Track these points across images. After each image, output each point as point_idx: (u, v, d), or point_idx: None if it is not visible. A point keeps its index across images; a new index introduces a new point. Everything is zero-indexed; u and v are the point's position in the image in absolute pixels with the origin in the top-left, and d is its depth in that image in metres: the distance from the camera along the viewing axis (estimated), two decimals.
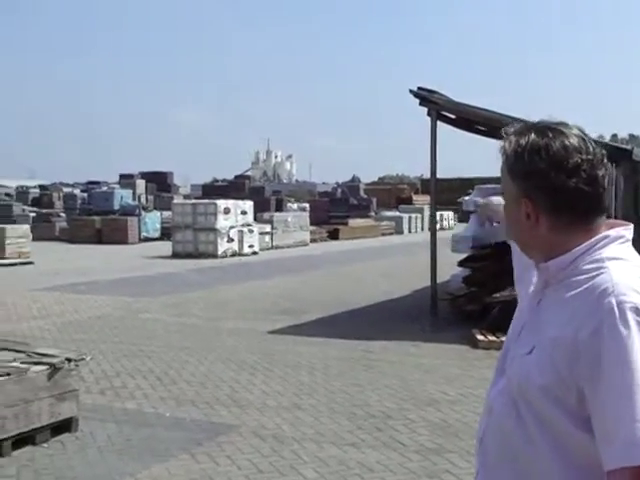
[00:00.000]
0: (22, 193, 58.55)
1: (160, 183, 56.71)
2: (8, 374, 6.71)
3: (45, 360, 7.17)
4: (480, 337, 11.41)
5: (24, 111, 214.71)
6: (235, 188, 51.58)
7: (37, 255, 26.72)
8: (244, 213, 29.08)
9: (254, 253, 28.79)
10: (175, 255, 27.73)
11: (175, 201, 33.86)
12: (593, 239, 1.92)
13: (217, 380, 9.33)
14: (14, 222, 39.22)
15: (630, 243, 1.98)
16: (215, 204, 28.11)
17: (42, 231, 37.34)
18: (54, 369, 7.07)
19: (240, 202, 29.54)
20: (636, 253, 1.97)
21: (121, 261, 26.11)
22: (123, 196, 39.25)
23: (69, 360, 7.27)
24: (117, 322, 13.59)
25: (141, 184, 51.51)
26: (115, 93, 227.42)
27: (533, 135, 1.93)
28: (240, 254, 28.11)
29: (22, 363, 7.10)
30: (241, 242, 28.38)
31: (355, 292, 17.68)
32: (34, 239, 35.67)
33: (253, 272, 22.78)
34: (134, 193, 46.06)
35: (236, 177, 61.54)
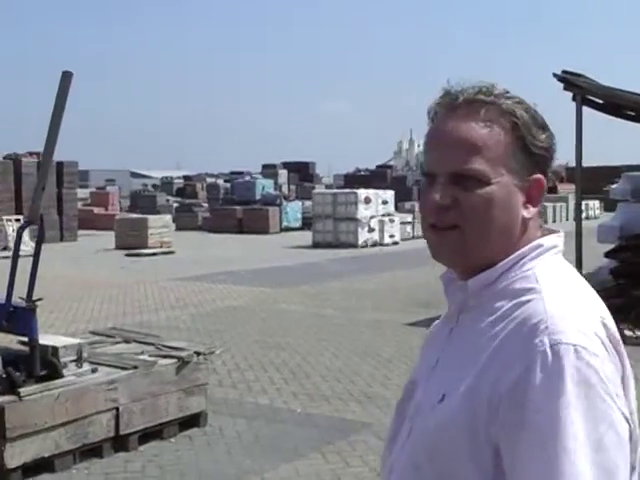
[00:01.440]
0: (166, 184, 59.96)
1: (302, 173, 57.05)
2: (135, 367, 6.59)
3: (174, 353, 7.03)
4: (628, 333, 10.76)
5: (185, 106, 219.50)
6: (377, 178, 51.19)
7: (179, 245, 27.11)
8: (385, 203, 28.72)
9: (395, 243, 28.41)
10: (315, 245, 27.63)
11: (316, 191, 33.76)
12: (526, 248, 1.51)
13: (352, 374, 9.05)
14: (158, 212, 40.07)
15: (562, 255, 1.55)
16: (355, 194, 27.85)
17: (185, 221, 37.98)
18: (182, 362, 6.92)
19: (381, 191, 29.18)
20: (572, 268, 1.55)
21: (261, 251, 26.17)
22: (265, 186, 39.43)
23: (198, 353, 7.10)
24: (254, 313, 13.48)
25: (283, 174, 51.90)
26: (263, 86, 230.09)
27: (529, 103, 1.54)
28: (381, 244, 27.78)
29: (151, 356, 6.98)
30: (382, 232, 28.03)
31: None
32: (177, 229, 36.50)
33: (393, 262, 22.42)
34: (276, 183, 46.34)
35: (378, 167, 61.13)
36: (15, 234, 23.80)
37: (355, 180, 51.81)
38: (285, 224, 36.02)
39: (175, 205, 43.03)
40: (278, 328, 12.04)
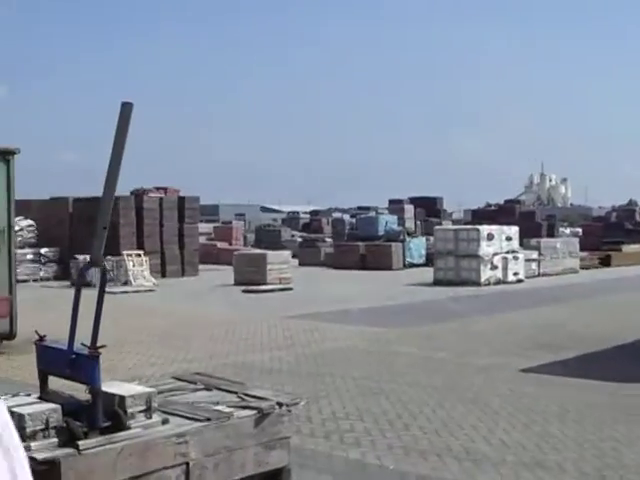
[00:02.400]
0: (293, 219, 60.14)
1: (429, 208, 56.24)
2: (208, 419, 6.11)
3: (253, 404, 6.53)
4: None
5: (317, 141, 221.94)
6: (505, 213, 50.07)
7: (298, 281, 26.81)
8: (509, 239, 27.80)
9: (519, 281, 27.42)
10: (436, 282, 26.91)
11: (437, 227, 33.05)
12: None
13: (454, 427, 8.38)
14: (282, 247, 40.08)
15: None
16: (478, 230, 27.06)
17: (308, 256, 37.79)
18: (262, 414, 6.40)
19: (505, 227, 28.28)
20: None
21: (381, 288, 25.62)
22: (388, 221, 38.93)
23: (280, 404, 6.58)
24: (362, 355, 12.93)
25: (410, 209, 51.20)
26: (395, 121, 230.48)
27: None
28: (504, 282, 26.84)
29: (229, 406, 6.49)
30: (505, 269, 27.10)
31: (625, 326, 16.07)
32: (300, 264, 36.38)
33: (515, 301, 21.57)
34: (401, 218, 45.76)
35: (506, 201, 59.85)
36: (133, 272, 23.78)
37: (482, 215, 50.81)
38: (409, 260, 35.46)
39: (299, 240, 42.89)
40: (384, 372, 11.45)
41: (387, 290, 24.80)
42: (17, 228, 30.14)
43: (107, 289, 20.60)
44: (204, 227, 48.24)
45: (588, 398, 9.73)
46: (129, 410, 5.84)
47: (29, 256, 29.40)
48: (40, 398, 5.89)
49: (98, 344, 5.73)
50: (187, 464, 5.90)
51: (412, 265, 34.98)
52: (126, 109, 5.31)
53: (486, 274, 26.45)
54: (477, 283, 26.05)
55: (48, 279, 29.30)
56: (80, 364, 5.68)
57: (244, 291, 24.25)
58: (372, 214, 42.88)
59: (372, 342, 14.28)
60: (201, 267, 33.30)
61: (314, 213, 66.25)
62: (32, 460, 5.27)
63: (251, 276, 26.27)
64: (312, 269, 34.67)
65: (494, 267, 26.70)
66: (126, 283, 26.92)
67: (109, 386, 6.12)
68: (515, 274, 27.49)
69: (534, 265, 29.87)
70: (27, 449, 5.29)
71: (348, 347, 13.72)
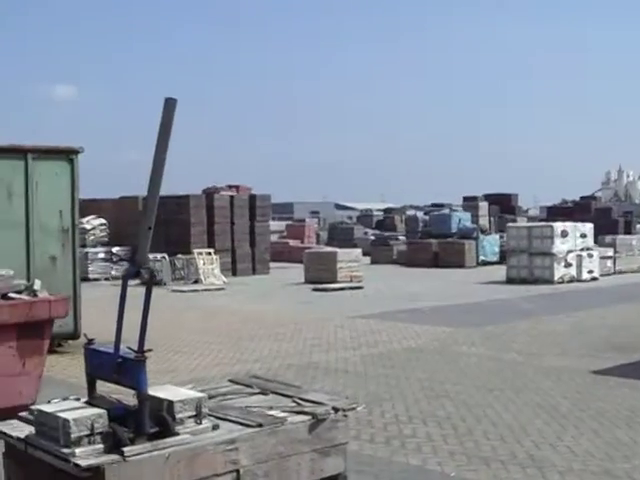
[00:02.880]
0: (366, 216, 59.85)
1: (504, 205, 55.47)
2: (260, 425, 5.93)
3: (308, 409, 6.33)
4: None
5: (394, 138, 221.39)
6: (580, 209, 49.19)
7: (369, 279, 26.61)
8: (583, 236, 27.16)
9: (593, 279, 26.79)
10: (509, 280, 26.44)
11: (510, 224, 32.51)
12: None
13: (520, 432, 8.08)
14: (354, 245, 39.91)
15: None
16: (551, 227, 26.49)
17: (380, 254, 37.53)
18: (317, 420, 6.20)
19: (579, 224, 27.64)
20: None
21: (452, 286, 25.28)
22: (461, 219, 38.43)
23: (336, 409, 6.37)
24: (429, 356, 12.66)
25: (484, 206, 50.54)
26: (474, 115, 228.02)
27: None
28: (578, 280, 26.25)
29: (284, 411, 6.31)
30: (579, 267, 26.48)
31: None
32: (372, 262, 36.20)
33: (589, 300, 21.05)
34: (475, 216, 45.22)
35: (582, 198, 58.77)
36: (203, 269, 23.85)
37: (558, 212, 50.01)
38: (482, 258, 34.98)
39: (371, 238, 42.61)
40: (450, 374, 11.17)
41: (458, 288, 24.47)
42: (89, 227, 30.61)
43: (177, 287, 21.00)
44: (277, 225, 48.38)
45: None
46: (178, 415, 5.68)
47: (101, 255, 29.70)
48: (87, 402, 5.79)
49: (152, 346, 5.62)
50: (237, 471, 5.73)
51: (485, 263, 34.51)
52: (170, 105, 5.15)
53: (560, 272, 25.88)
54: (550, 281, 25.50)
55: (119, 278, 29.53)
56: (126, 368, 5.55)
57: (314, 289, 24.13)
58: (445, 211, 42.37)
59: (440, 342, 14.00)
60: (273, 265, 33.29)
61: (388, 210, 65.76)
62: (76, 466, 5.17)
63: (321, 274, 26.15)
64: (384, 267, 34.47)
65: (568, 265, 26.11)
66: (196, 281, 27.01)
67: (158, 390, 5.98)
68: (590, 272, 26.86)
69: (609, 263, 29.19)
70: (72, 455, 5.18)
71: (416, 347, 13.46)
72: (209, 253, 28.24)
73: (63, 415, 5.41)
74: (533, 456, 7.28)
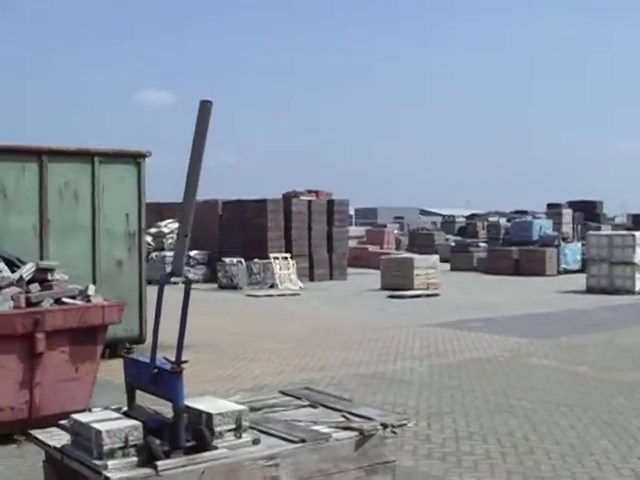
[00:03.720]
0: (449, 222, 59.23)
1: (588, 212, 54.41)
2: (303, 440, 5.71)
3: (355, 425, 6.10)
4: None
5: (478, 143, 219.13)
6: None
7: (447, 286, 26.23)
8: None
9: None
10: (589, 290, 25.73)
11: (590, 232, 31.72)
12: None
13: (583, 452, 7.71)
14: (435, 252, 39.46)
15: None
16: (633, 236, 25.70)
17: (460, 261, 37.06)
18: (363, 436, 5.97)
19: None
20: None
21: (531, 295, 24.74)
22: (542, 226, 37.71)
23: (385, 426, 6.12)
24: (498, 367, 12.30)
25: (567, 214, 49.59)
26: (555, 120, 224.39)
27: None
28: None
29: (330, 427, 6.09)
30: None
31: None
32: (452, 269, 35.79)
33: None
34: (557, 223, 44.43)
35: None
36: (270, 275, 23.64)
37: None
38: (563, 266, 34.26)
39: (452, 244, 42.09)
40: (518, 387, 10.81)
41: (536, 297, 23.92)
42: (167, 230, 30.80)
43: (252, 292, 20.93)
44: (357, 230, 48.17)
45: None
46: (217, 429, 5.51)
47: None
48: (125, 413, 5.66)
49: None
50: None
51: (567, 271, 33.76)
52: (205, 108, 4.99)
53: None
54: (631, 292, 24.72)
55: (197, 281, 29.63)
56: (162, 379, 5.41)
57: (389, 296, 23.84)
58: (527, 218, 41.65)
59: (512, 353, 13.62)
60: (351, 270, 33.10)
61: (472, 216, 65.01)
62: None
63: (398, 281, 25.86)
64: (463, 274, 33.99)
65: None
66: (272, 286, 26.94)
67: (198, 402, 5.82)
68: None
69: None
70: (104, 467, 5.05)
71: (485, 358, 13.09)
72: (285, 258, 28.16)
73: (97, 426, 5.29)
74: (594, 478, 6.93)
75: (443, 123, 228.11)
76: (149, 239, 31.10)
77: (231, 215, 30.83)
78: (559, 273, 33.56)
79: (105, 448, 5.16)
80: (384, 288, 25.86)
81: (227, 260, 27.88)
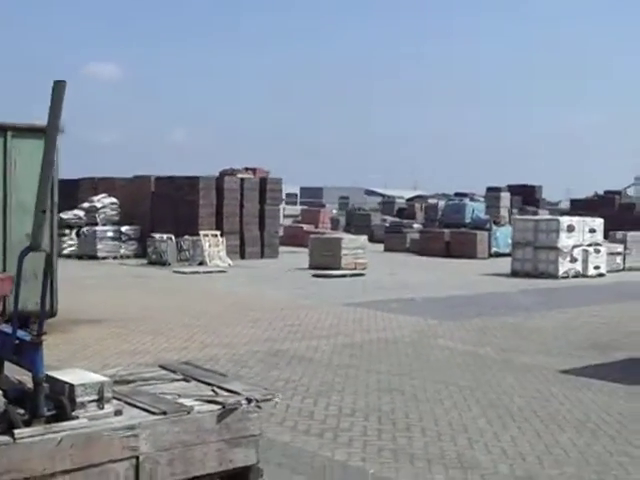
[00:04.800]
0: (388, 203, 59.58)
1: (528, 196, 55.12)
2: (164, 412, 5.86)
3: (219, 399, 6.26)
4: None
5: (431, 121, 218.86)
6: (603, 204, 48.86)
7: (375, 266, 26.52)
8: (592, 231, 26.85)
9: (600, 275, 26.49)
10: (514, 273, 26.21)
11: (516, 217, 32.28)
12: None
13: (459, 431, 7.95)
14: (371, 232, 39.83)
15: None
16: (557, 221, 26.25)
17: (393, 242, 37.41)
18: (225, 410, 6.13)
19: (589, 219, 27.36)
20: None
21: (456, 277, 25.12)
22: (475, 209, 38.19)
23: (249, 400, 6.29)
24: (401, 348, 12.54)
25: (506, 197, 50.16)
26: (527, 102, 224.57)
27: None
28: (584, 275, 25.98)
29: (196, 400, 6.24)
30: (585, 262, 26.20)
31: None
32: (385, 250, 36.11)
33: (589, 296, 20.84)
34: (497, 206, 45.04)
35: (606, 192, 58.06)
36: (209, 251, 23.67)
37: (582, 206, 49.62)
38: (495, 249, 34.77)
39: (386, 225, 42.47)
40: (415, 367, 11.05)
41: (461, 279, 24.31)
42: (99, 205, 30.68)
43: (179, 268, 20.94)
44: (293, 209, 48.36)
45: (623, 407, 9.16)
46: (79, 399, 5.63)
47: (109, 233, 29.79)
48: None
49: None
50: (137, 458, 5.67)
51: (498, 254, 34.25)
52: (59, 87, 5.09)
53: (564, 267, 25.62)
54: (554, 276, 25.25)
55: (129, 257, 29.69)
56: (23, 350, 5.51)
57: (314, 275, 24.05)
58: (458, 201, 42.09)
59: (419, 334, 13.86)
60: (284, 249, 33.32)
61: (414, 198, 65.36)
62: None
63: (326, 260, 26.05)
64: (395, 255, 34.37)
65: (574, 260, 25.84)
66: (201, 263, 27.01)
67: (65, 373, 5.93)
68: (596, 268, 26.56)
69: (619, 259, 28.86)
70: None
71: (391, 339, 13.32)
72: (215, 235, 28.23)
73: None
74: (462, 456, 7.16)
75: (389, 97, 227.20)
76: (81, 213, 30.99)
77: (163, 191, 30.79)
78: (490, 256, 34.05)
79: None
80: (312, 267, 26.05)
81: (157, 236, 27.87)
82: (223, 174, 33.12)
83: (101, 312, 15.11)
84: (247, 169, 36.24)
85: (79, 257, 29.18)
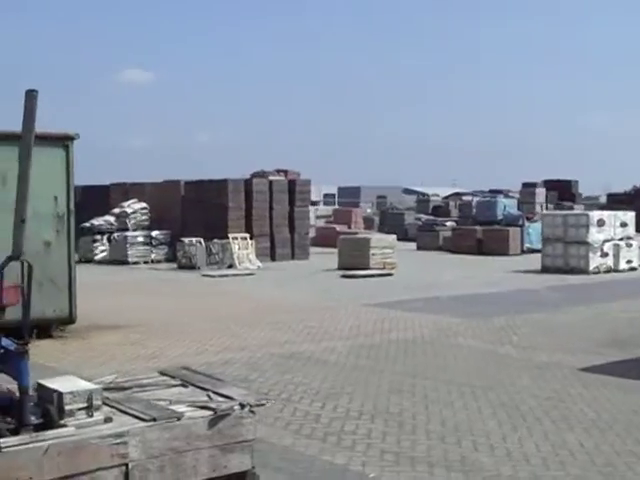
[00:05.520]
0: (424, 202, 59.33)
1: (564, 191, 54.61)
2: (154, 419, 5.84)
3: (211, 404, 6.23)
4: None
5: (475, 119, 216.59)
6: (639, 197, 48.39)
7: (405, 266, 26.40)
8: (624, 225, 26.51)
9: (632, 269, 26.13)
10: (544, 269, 25.93)
11: (545, 212, 31.96)
12: None
13: (465, 433, 7.84)
14: (405, 231, 39.70)
15: None
16: (587, 215, 25.92)
17: (426, 240, 37.22)
18: (217, 416, 6.10)
19: (620, 213, 27.04)
20: None
21: (485, 274, 24.92)
22: (506, 205, 37.89)
23: (242, 406, 6.25)
24: (419, 348, 12.44)
25: (541, 193, 49.77)
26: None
27: None
28: (615, 270, 25.64)
29: (189, 406, 6.22)
30: (617, 257, 25.87)
31: None
32: (418, 248, 35.96)
33: (618, 291, 20.58)
34: (532, 202, 44.80)
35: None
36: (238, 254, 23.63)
37: (618, 200, 49.11)
38: (528, 245, 34.44)
39: (419, 224, 42.27)
40: (430, 367, 10.95)
41: (490, 277, 24.10)
42: (130, 211, 30.83)
43: (208, 272, 20.97)
44: (325, 210, 48.31)
45: (632, 403, 9.03)
46: (67, 407, 5.63)
47: (139, 238, 29.92)
48: None
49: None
50: (127, 465, 5.66)
51: (532, 250, 33.91)
52: (31, 98, 5.09)
53: (595, 262, 25.31)
54: (585, 271, 24.94)
55: (159, 261, 29.81)
56: (8, 359, 5.52)
57: (342, 276, 23.99)
58: (490, 198, 41.82)
59: (439, 333, 13.75)
60: (316, 250, 33.30)
61: (450, 196, 64.98)
62: None
63: (354, 260, 25.96)
64: (428, 253, 34.24)
65: (604, 254, 25.52)
66: (231, 266, 27.04)
67: (57, 381, 5.93)
68: (628, 262, 26.21)
69: None
70: None
71: (410, 339, 13.22)
72: (244, 238, 28.25)
73: None
74: (465, 458, 7.06)
75: (440, 99, 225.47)
76: (112, 219, 31.19)
77: (193, 195, 30.91)
78: (523, 252, 33.72)
79: None
80: (341, 268, 25.98)
81: (186, 240, 27.94)
82: (254, 176, 33.22)
83: (123, 317, 15.17)
84: (278, 171, 36.29)
85: (110, 263, 29.39)
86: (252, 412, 6.32)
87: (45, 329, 12.97)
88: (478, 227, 35.35)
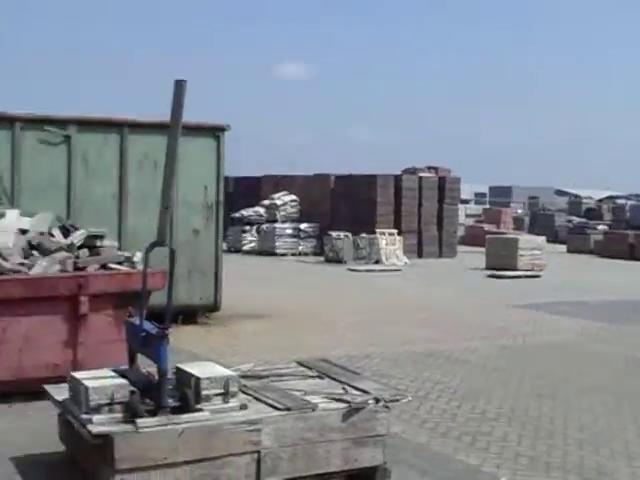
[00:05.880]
0: (576, 204, 57.93)
1: None
2: (289, 409, 5.93)
3: (346, 397, 6.28)
4: None
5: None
6: None
7: (553, 268, 25.88)
8: None
9: None
10: None
11: None
12: None
13: (607, 439, 7.66)
14: (556, 233, 38.91)
15: None
16: None
17: (576, 243, 36.38)
18: (352, 409, 6.14)
19: None
20: None
21: (636, 280, 24.13)
22: None
23: (377, 400, 6.28)
24: (561, 352, 12.18)
25: None
26: None
27: None
28: None
29: (323, 397, 6.29)
30: None
31: None
32: (568, 251, 35.19)
33: None
34: None
35: None
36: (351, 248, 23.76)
37: None
38: None
39: (569, 226, 41.34)
40: (571, 372, 10.71)
41: None
42: (280, 203, 31.29)
43: (354, 266, 21.16)
44: (475, 209, 47.82)
45: None
46: (204, 392, 5.79)
47: (288, 230, 30.33)
48: (121, 374, 5.97)
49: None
50: (259, 452, 5.77)
51: None
52: (180, 87, 5.23)
53: None
54: None
55: (307, 254, 30.14)
56: (150, 342, 5.70)
57: (489, 276, 23.72)
58: None
59: (582, 338, 13.45)
60: (464, 249, 33.09)
61: (604, 199, 63.30)
62: (88, 433, 5.36)
63: (502, 261, 25.63)
64: (577, 257, 33.47)
65: None
66: (378, 262, 27.10)
67: (195, 366, 6.11)
68: None
69: None
70: (89, 422, 5.40)
71: (553, 342, 12.94)
72: (392, 234, 28.26)
73: (86, 383, 5.63)
74: (602, 467, 6.89)
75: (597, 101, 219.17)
76: (262, 210, 31.73)
77: (342, 190, 31.13)
78: None
79: (92, 403, 5.52)
80: (488, 267, 25.69)
81: (334, 234, 28.16)
82: (405, 172, 33.21)
83: (267, 307, 15.41)
84: (429, 168, 36.16)
85: (258, 253, 29.92)
86: (387, 407, 6.34)
87: (191, 315, 13.31)
88: (630, 231, 34.27)
